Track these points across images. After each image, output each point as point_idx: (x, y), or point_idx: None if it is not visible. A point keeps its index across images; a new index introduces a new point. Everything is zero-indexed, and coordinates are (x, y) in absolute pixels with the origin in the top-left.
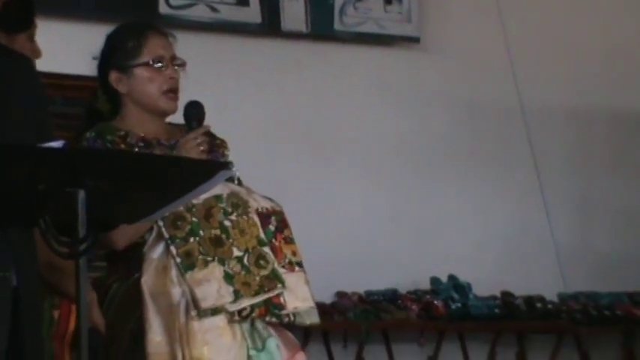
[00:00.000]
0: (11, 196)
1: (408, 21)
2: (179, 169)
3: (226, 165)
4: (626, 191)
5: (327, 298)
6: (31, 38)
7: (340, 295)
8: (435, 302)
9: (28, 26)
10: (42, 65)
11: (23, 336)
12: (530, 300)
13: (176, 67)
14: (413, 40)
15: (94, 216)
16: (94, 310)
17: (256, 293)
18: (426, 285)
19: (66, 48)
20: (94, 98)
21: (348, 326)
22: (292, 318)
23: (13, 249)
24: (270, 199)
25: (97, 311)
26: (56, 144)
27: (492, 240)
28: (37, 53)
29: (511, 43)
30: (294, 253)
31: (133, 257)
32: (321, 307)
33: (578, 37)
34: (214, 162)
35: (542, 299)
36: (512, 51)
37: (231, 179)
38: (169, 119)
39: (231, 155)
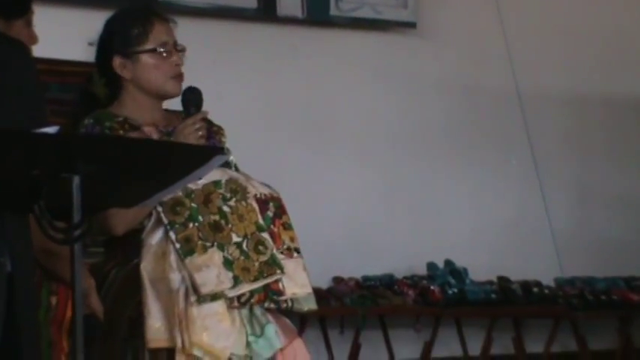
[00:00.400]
0: (5, 181)
1: (404, 6)
2: (174, 154)
3: (221, 150)
4: (623, 176)
5: (324, 284)
6: (28, 24)
7: (337, 280)
8: (432, 287)
9: (25, 12)
10: (38, 51)
11: (19, 322)
12: (526, 285)
13: (179, 53)
14: (409, 26)
15: (89, 201)
16: (93, 296)
17: (255, 279)
18: (422, 270)
19: (62, 34)
20: (89, 81)
21: (345, 312)
22: (290, 304)
23: (8, 235)
24: (268, 186)
25: (96, 297)
26: (51, 129)
27: (489, 225)
28: (34, 39)
29: (507, 29)
30: (292, 239)
31: (131, 243)
32: (317, 293)
33: (574, 23)
34: (209, 147)
35: (538, 284)
36: (509, 36)
37: (227, 165)
38: (167, 105)
39: (228, 141)
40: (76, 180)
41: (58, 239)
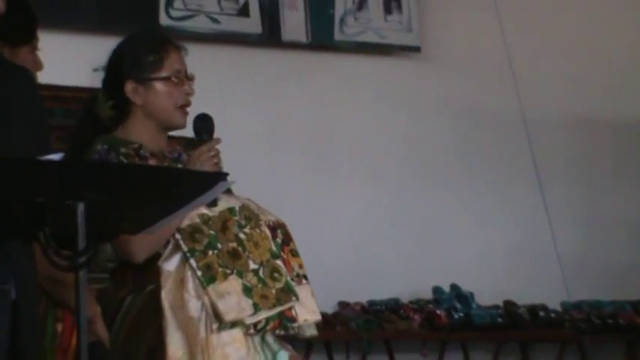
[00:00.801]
0: (10, 208)
1: (409, 30)
2: (178, 180)
3: (225, 175)
4: (629, 200)
5: (330, 308)
6: (34, 50)
7: (343, 305)
8: (438, 312)
9: (31, 39)
10: (43, 77)
11: (23, 350)
12: (533, 309)
13: (189, 82)
14: (413, 50)
15: (94, 228)
16: (98, 323)
17: (273, 306)
18: (428, 294)
19: (67, 60)
20: (94, 102)
21: (351, 336)
22: (297, 330)
23: (12, 262)
24: (272, 213)
25: (101, 324)
26: (55, 156)
27: (495, 249)
28: (39, 65)
29: (512, 52)
30: (300, 266)
31: (141, 269)
32: (323, 317)
33: (580, 45)
34: (213, 173)
35: (545, 308)
36: (513, 59)
37: (228, 190)
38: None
39: (233, 165)
40: (81, 207)
41: (63, 266)
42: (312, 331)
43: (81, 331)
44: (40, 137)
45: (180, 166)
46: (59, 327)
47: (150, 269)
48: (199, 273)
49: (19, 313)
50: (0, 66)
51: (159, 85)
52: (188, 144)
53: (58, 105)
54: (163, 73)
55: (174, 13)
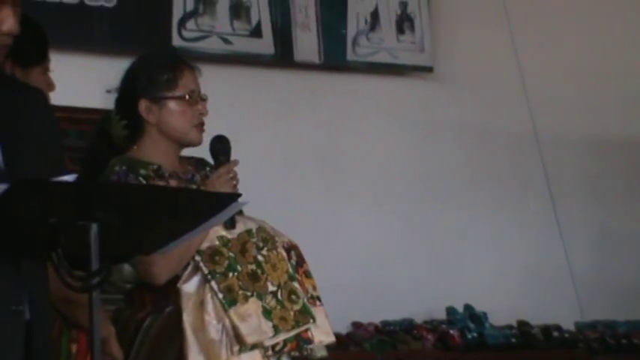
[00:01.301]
0: (24, 229)
1: (421, 50)
2: (191, 201)
3: (238, 196)
4: None
5: (343, 329)
6: (45, 71)
7: (356, 325)
8: (451, 332)
9: (43, 59)
10: (56, 98)
11: None
12: (547, 329)
13: (203, 102)
14: (426, 70)
15: (107, 249)
16: (113, 343)
17: (292, 328)
18: (441, 315)
19: (79, 81)
20: (106, 121)
21: (364, 357)
22: (310, 352)
23: (26, 283)
24: (284, 235)
25: (116, 344)
26: (69, 178)
27: (508, 269)
28: (51, 86)
29: (525, 71)
30: (314, 288)
31: (159, 291)
32: (337, 338)
33: (592, 64)
34: (226, 194)
35: (559, 328)
36: (526, 79)
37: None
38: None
39: (245, 186)
40: (94, 228)
41: (76, 287)
42: (322, 353)
43: (95, 351)
44: (54, 159)
45: (194, 187)
46: (74, 347)
47: (168, 291)
48: (220, 295)
49: (33, 334)
50: (13, 87)
51: (173, 105)
52: (198, 163)
53: (71, 126)
54: (177, 92)
55: (186, 34)
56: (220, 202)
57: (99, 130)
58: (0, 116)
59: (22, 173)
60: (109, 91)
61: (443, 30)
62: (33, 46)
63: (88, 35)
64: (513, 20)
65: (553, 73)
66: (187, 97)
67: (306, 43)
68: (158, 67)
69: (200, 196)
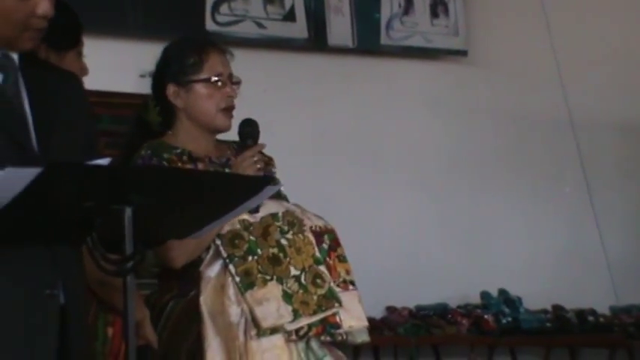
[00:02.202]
0: (59, 213)
1: (455, 34)
2: (225, 185)
3: (272, 180)
4: None
5: (377, 314)
6: (79, 56)
7: (390, 310)
8: (486, 317)
9: (76, 43)
10: (90, 83)
11: (72, 354)
12: (581, 313)
13: (233, 85)
14: (460, 54)
15: (142, 233)
16: (147, 326)
17: (314, 312)
18: (476, 299)
19: (114, 66)
20: (144, 109)
21: (399, 341)
22: (344, 336)
23: (61, 267)
24: (321, 218)
25: (150, 328)
26: (102, 161)
27: (543, 253)
28: (85, 71)
29: (559, 55)
30: (347, 272)
31: (187, 275)
32: (371, 323)
33: (627, 47)
34: (261, 177)
35: (594, 312)
36: (561, 62)
37: (278, 196)
38: (220, 135)
39: (279, 170)
40: (128, 211)
41: (111, 271)
42: (363, 338)
43: (129, 335)
44: (89, 142)
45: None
46: (109, 331)
47: (195, 275)
48: (237, 279)
49: (68, 318)
50: (47, 71)
51: (199, 88)
52: (240, 148)
53: (106, 111)
54: (203, 75)
55: (220, 19)
56: (254, 186)
57: (137, 119)
58: (34, 99)
59: (55, 157)
60: (142, 76)
61: (477, 13)
62: (67, 31)
63: (123, 20)
64: (548, 3)
65: (588, 57)
66: (213, 79)
67: (340, 27)
68: (184, 51)
69: (234, 179)
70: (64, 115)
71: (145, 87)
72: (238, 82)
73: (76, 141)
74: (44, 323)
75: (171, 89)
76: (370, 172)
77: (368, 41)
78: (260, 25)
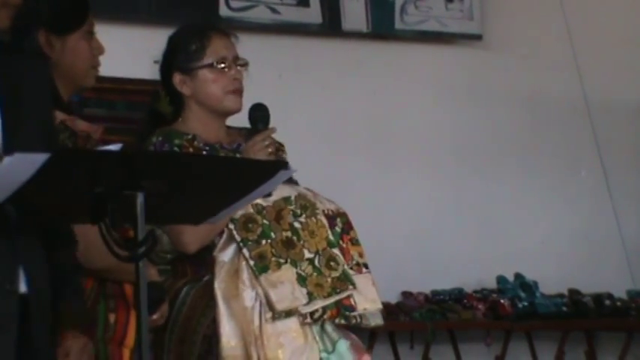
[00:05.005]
0: (70, 199)
1: (470, 18)
2: (238, 170)
3: (286, 165)
4: None
5: (393, 298)
6: (87, 36)
7: (406, 295)
8: (502, 301)
9: (79, 24)
10: (104, 69)
11: (34, 347)
12: (598, 297)
13: (239, 68)
14: (475, 38)
15: (154, 218)
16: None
17: (329, 295)
18: (492, 284)
19: (127, 52)
20: (156, 99)
21: (414, 326)
22: (359, 319)
23: (22, 258)
24: (333, 202)
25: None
26: (114, 147)
27: (559, 237)
28: (100, 49)
29: (575, 39)
30: (360, 255)
31: (200, 260)
32: (386, 307)
33: None
34: (274, 162)
35: (610, 296)
36: (576, 47)
37: (291, 181)
38: (230, 122)
39: (294, 156)
40: (140, 197)
41: (124, 257)
42: (377, 321)
43: (142, 322)
44: (48, 133)
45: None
46: (112, 317)
47: (208, 260)
48: (252, 262)
49: (30, 310)
50: (11, 55)
51: (204, 73)
52: (250, 134)
53: (119, 97)
54: (206, 60)
55: (234, 4)
56: (267, 171)
57: (149, 110)
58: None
59: (18, 145)
60: (157, 62)
61: None
62: (67, 12)
63: (136, 6)
64: None
65: (603, 39)
66: (216, 63)
67: (354, 12)
68: (186, 39)
69: (247, 164)
70: (29, 103)
71: (158, 73)
72: (245, 64)
73: (38, 128)
74: (5, 320)
75: (177, 78)
76: (384, 157)
77: (382, 26)
78: (274, 11)
